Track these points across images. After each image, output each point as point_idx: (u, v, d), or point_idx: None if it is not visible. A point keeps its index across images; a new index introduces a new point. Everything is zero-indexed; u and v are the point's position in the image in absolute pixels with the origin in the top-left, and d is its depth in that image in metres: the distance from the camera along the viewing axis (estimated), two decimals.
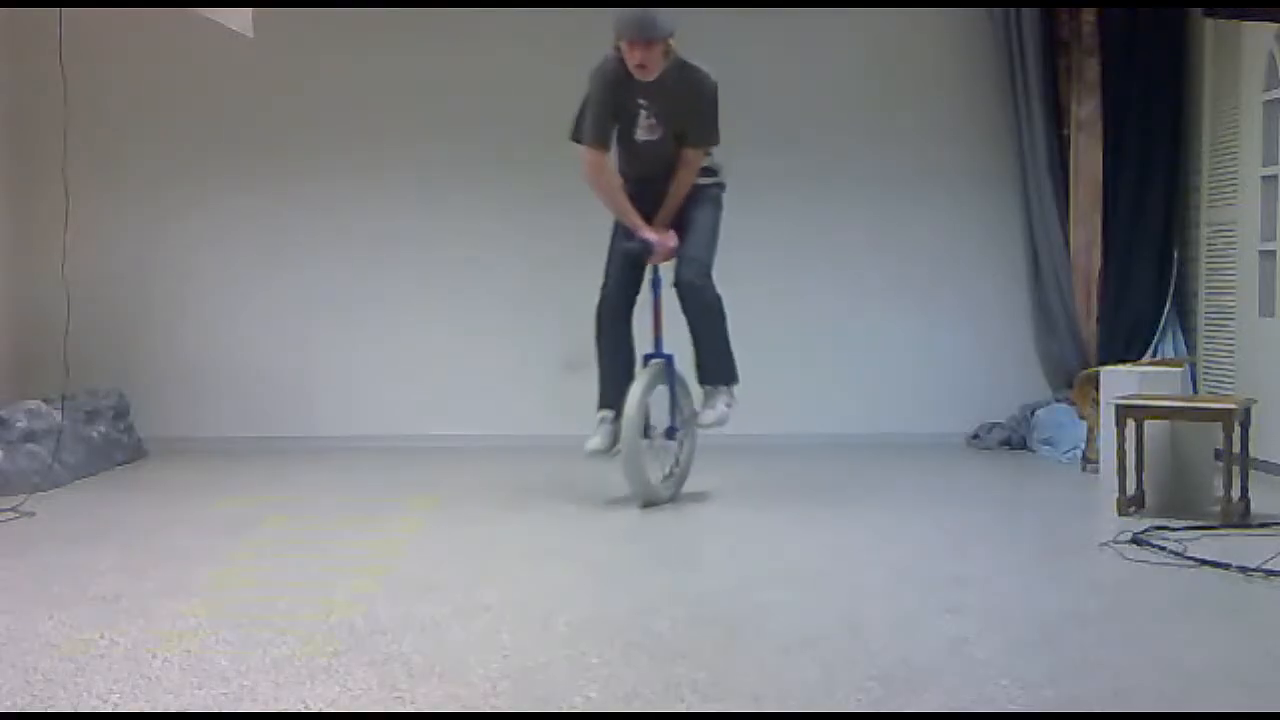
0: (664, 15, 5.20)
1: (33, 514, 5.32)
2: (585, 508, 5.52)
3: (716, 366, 5.56)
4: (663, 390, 5.57)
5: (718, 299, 5.49)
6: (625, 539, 4.75)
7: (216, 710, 2.92)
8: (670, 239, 5.45)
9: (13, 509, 5.35)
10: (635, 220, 5.42)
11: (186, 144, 7.60)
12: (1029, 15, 7.29)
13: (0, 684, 3.08)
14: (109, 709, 2.93)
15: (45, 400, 6.28)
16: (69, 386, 6.19)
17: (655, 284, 5.59)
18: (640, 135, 5.41)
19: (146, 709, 2.93)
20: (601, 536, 4.56)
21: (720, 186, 5.69)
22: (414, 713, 2.91)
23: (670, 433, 5.64)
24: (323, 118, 7.62)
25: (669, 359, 5.56)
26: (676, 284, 5.46)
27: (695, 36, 7.40)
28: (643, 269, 5.55)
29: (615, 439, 5.34)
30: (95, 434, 6.59)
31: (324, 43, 7.55)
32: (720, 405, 5.53)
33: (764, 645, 3.49)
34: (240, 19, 6.28)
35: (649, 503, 5.35)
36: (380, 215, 7.67)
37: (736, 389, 5.62)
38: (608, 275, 5.56)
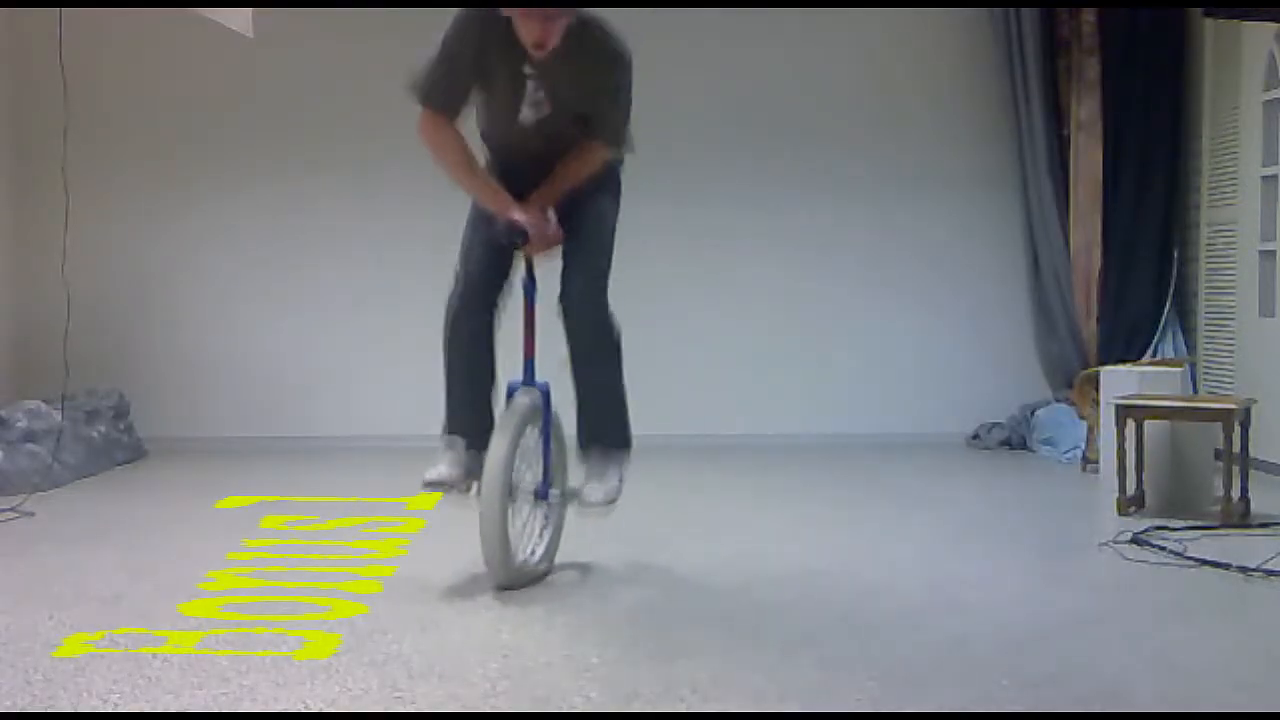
0: None
1: (33, 514, 5.32)
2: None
3: (608, 423, 4.18)
4: (532, 434, 4.19)
5: (616, 328, 4.12)
6: (625, 539, 4.75)
7: (216, 710, 2.92)
8: (550, 224, 4.08)
9: (13, 509, 5.35)
10: (499, 197, 4.06)
11: (186, 144, 7.59)
12: (1029, 15, 7.29)
13: (0, 684, 3.07)
14: (109, 709, 2.93)
15: (45, 400, 6.28)
16: (69, 386, 6.18)
17: (529, 288, 4.19)
18: (525, 114, 4.03)
19: (146, 709, 2.93)
20: (601, 536, 4.56)
21: (618, 164, 4.24)
22: (414, 713, 2.91)
23: (542, 493, 4.23)
24: (323, 118, 7.61)
25: (544, 390, 4.20)
26: (563, 301, 4.08)
27: (696, 36, 7.47)
28: (510, 262, 4.17)
29: (467, 472, 4.10)
30: (95, 434, 6.59)
31: (324, 43, 7.55)
32: (612, 478, 4.14)
33: (764, 645, 3.49)
34: (240, 19, 6.28)
35: (509, 585, 4.03)
36: (381, 215, 7.66)
37: (627, 462, 4.21)
38: (464, 269, 4.18)
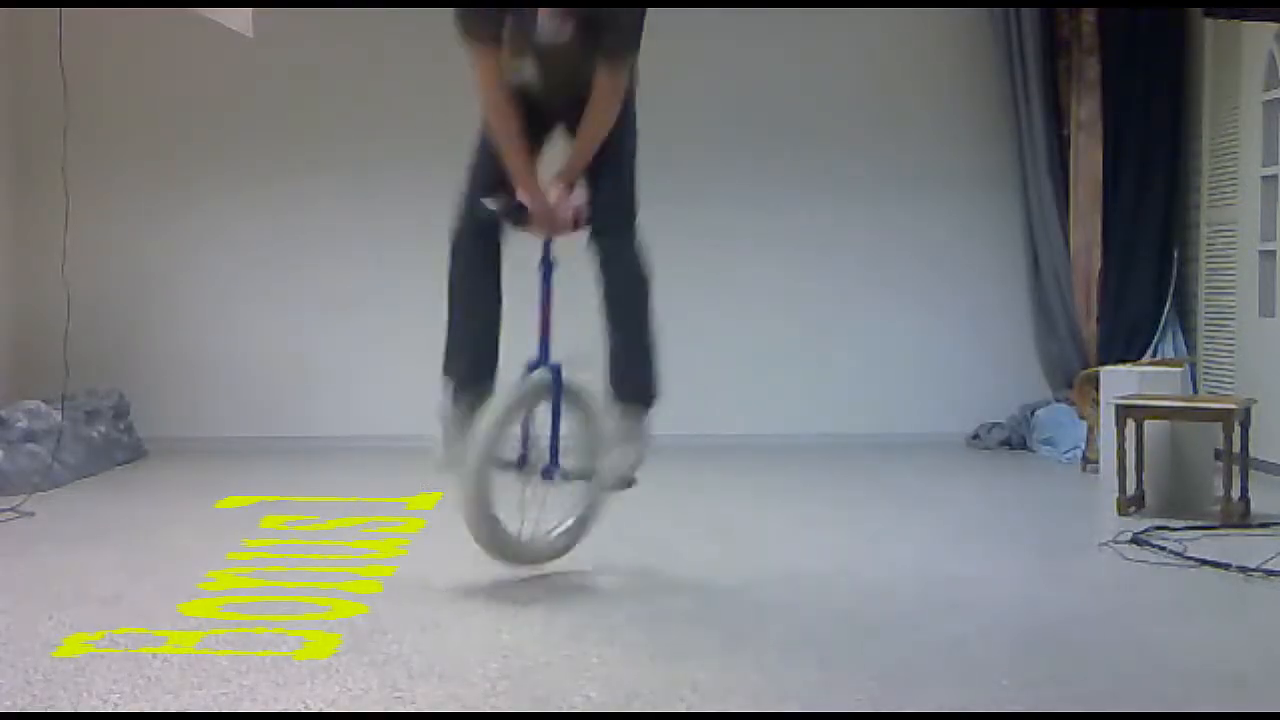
0: None
1: (33, 514, 5.32)
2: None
3: (637, 374, 4.07)
4: (539, 413, 4.10)
5: (647, 267, 4.00)
6: (625, 539, 4.75)
7: (216, 710, 2.92)
8: (566, 205, 3.96)
9: (13, 509, 5.35)
10: (523, 168, 3.91)
11: (186, 144, 7.59)
12: (1029, 15, 7.29)
13: (0, 684, 3.07)
14: (109, 709, 2.93)
15: (45, 400, 6.27)
16: (69, 386, 6.18)
17: (546, 268, 4.08)
18: (543, 33, 3.81)
19: (146, 709, 2.93)
20: (601, 536, 4.55)
21: (630, 95, 4.01)
22: (414, 713, 2.91)
23: (548, 473, 4.13)
24: (323, 118, 7.62)
25: (557, 370, 4.05)
26: (594, 239, 3.95)
27: (695, 36, 7.46)
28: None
29: (458, 441, 3.96)
30: (95, 434, 6.59)
31: (324, 43, 7.55)
32: (633, 450, 4.07)
33: (764, 645, 3.49)
34: (240, 19, 6.28)
35: (506, 558, 4.04)
36: (381, 215, 7.66)
37: (652, 415, 4.12)
38: (472, 189, 3.99)
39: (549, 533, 4.22)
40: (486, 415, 3.89)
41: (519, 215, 3.92)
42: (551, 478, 4.15)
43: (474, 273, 4.01)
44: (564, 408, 4.11)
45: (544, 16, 3.79)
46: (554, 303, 4.09)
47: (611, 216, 3.97)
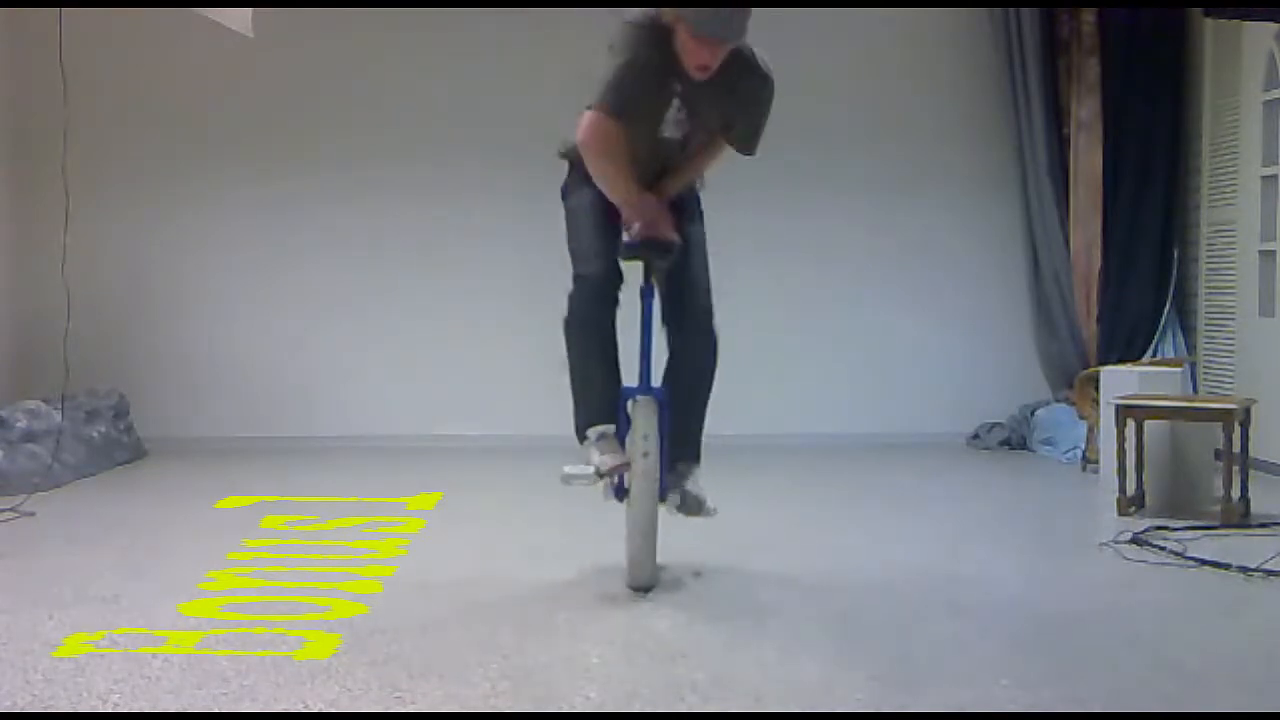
0: (747, 15, 3.96)
1: (33, 514, 5.32)
2: (585, 508, 5.51)
3: (696, 439, 4.34)
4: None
5: (717, 355, 4.34)
6: (624, 539, 4.74)
7: (216, 710, 2.92)
8: (667, 221, 4.09)
9: (13, 509, 5.35)
10: (630, 189, 4.06)
11: (186, 144, 7.59)
12: (1029, 15, 7.29)
13: (0, 684, 3.08)
14: (109, 709, 2.93)
15: (45, 400, 6.28)
16: (69, 386, 6.18)
17: (648, 295, 4.19)
18: (665, 130, 4.09)
19: (146, 709, 2.93)
20: (601, 536, 4.56)
21: (699, 190, 4.45)
22: (414, 713, 2.91)
23: (659, 495, 4.19)
24: (323, 117, 7.62)
25: (660, 397, 4.15)
26: (683, 317, 4.22)
27: None
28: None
29: (622, 452, 4.11)
30: (95, 434, 6.59)
31: (324, 42, 7.55)
32: (702, 486, 4.27)
33: (764, 645, 3.49)
34: (240, 19, 6.28)
35: (647, 587, 4.12)
36: (381, 214, 7.67)
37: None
38: (586, 250, 4.17)
39: None
40: (650, 451, 4.05)
41: (665, 250, 4.06)
42: (664, 499, 4.20)
43: (604, 337, 4.15)
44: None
45: (669, 124, 4.07)
46: (654, 328, 4.19)
47: (706, 298, 4.25)
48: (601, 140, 3.99)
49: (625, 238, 4.06)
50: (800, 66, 7.84)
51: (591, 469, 4.04)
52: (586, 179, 4.15)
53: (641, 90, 3.98)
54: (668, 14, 3.90)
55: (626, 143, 4.01)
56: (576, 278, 4.17)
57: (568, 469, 4.06)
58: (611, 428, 4.15)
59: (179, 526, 5.20)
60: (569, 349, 4.19)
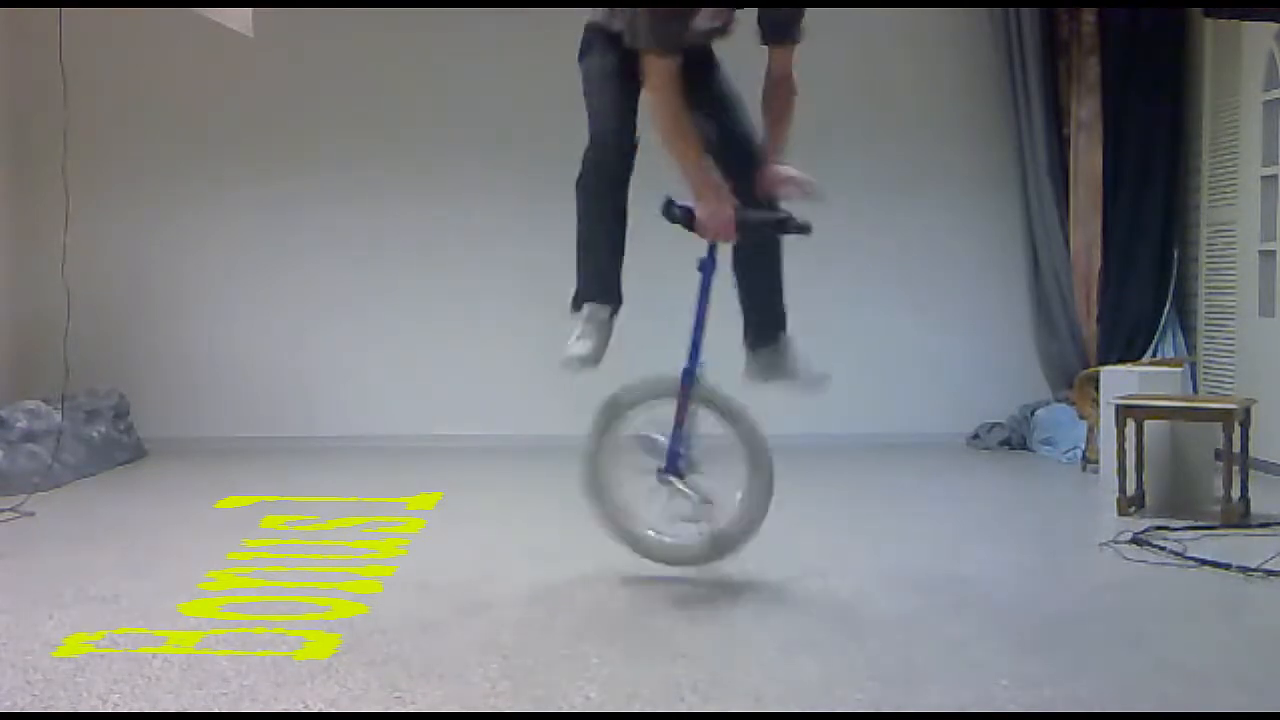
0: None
1: (33, 514, 5.32)
2: (586, 508, 5.51)
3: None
4: (664, 405, 4.16)
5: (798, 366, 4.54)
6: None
7: (216, 710, 2.92)
8: (732, 217, 4.09)
9: (13, 509, 5.35)
10: (706, 179, 4.04)
11: (186, 144, 7.59)
12: (1029, 15, 7.29)
13: (0, 684, 3.08)
14: (109, 709, 2.93)
15: (45, 400, 6.28)
16: (69, 386, 6.19)
17: (708, 268, 4.13)
18: (700, 20, 4.00)
19: (146, 709, 2.93)
20: (602, 536, 4.56)
21: None
22: (414, 713, 2.91)
23: (674, 469, 4.14)
24: (323, 117, 7.62)
25: (689, 374, 4.17)
26: (755, 351, 4.47)
27: None
28: (635, 120, 4.08)
29: (605, 345, 4.05)
30: (95, 434, 6.59)
31: (324, 42, 7.55)
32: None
33: (764, 645, 3.49)
34: (240, 19, 6.28)
35: (635, 549, 4.17)
36: (380, 214, 7.67)
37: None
38: (602, 108, 4.05)
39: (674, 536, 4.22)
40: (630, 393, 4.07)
41: (685, 215, 4.01)
42: (666, 481, 4.15)
43: (614, 204, 4.07)
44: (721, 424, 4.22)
45: (703, 14, 3.96)
46: (709, 305, 4.15)
47: (772, 331, 4.42)
48: (663, 80, 3.88)
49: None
50: (800, 66, 7.85)
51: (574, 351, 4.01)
52: (607, 41, 4.06)
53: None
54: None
55: (688, 111, 3.93)
56: (592, 135, 4.09)
57: (573, 350, 4.02)
58: (606, 309, 4.09)
59: (179, 526, 5.20)
60: (579, 212, 4.13)
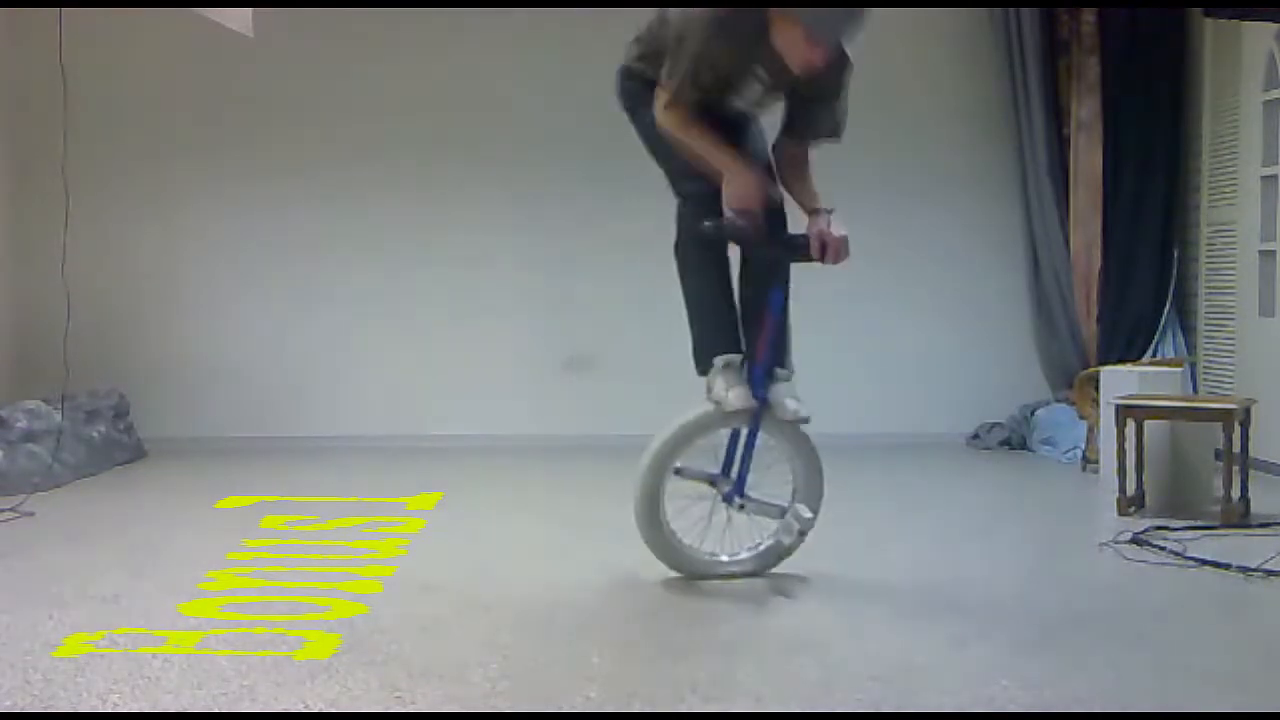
0: (864, 18, 4.15)
1: (33, 514, 5.32)
2: (586, 507, 5.52)
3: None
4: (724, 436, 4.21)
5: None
6: (626, 539, 4.75)
7: (216, 710, 2.92)
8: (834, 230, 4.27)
9: (13, 509, 5.35)
10: (725, 152, 4.01)
11: (186, 144, 7.59)
12: (1029, 15, 7.28)
13: (0, 684, 3.08)
14: (109, 709, 2.93)
15: (45, 400, 6.28)
16: (69, 386, 6.19)
17: (777, 298, 4.29)
18: (739, 102, 4.08)
19: (146, 709, 2.93)
20: (602, 536, 4.56)
21: None
22: (414, 713, 2.91)
23: (729, 498, 4.20)
24: (322, 117, 7.61)
25: (762, 397, 4.17)
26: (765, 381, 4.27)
27: None
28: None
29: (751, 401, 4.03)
30: (95, 434, 6.59)
31: (323, 42, 7.55)
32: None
33: (764, 645, 3.49)
34: (240, 19, 6.28)
35: (680, 569, 4.19)
36: (380, 214, 7.66)
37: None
38: (696, 189, 4.07)
39: (729, 553, 4.26)
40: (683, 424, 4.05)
41: (803, 249, 4.24)
42: (730, 502, 4.20)
43: (720, 259, 4.15)
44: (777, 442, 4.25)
45: (743, 98, 4.04)
46: (776, 317, 4.21)
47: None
48: (672, 119, 3.93)
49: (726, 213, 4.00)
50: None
51: (717, 403, 3.94)
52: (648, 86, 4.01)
53: (716, 81, 3.91)
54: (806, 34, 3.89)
55: (705, 124, 3.94)
56: (684, 197, 4.09)
57: (731, 403, 3.95)
58: (738, 358, 4.05)
59: (179, 526, 5.20)
60: (684, 273, 4.13)
